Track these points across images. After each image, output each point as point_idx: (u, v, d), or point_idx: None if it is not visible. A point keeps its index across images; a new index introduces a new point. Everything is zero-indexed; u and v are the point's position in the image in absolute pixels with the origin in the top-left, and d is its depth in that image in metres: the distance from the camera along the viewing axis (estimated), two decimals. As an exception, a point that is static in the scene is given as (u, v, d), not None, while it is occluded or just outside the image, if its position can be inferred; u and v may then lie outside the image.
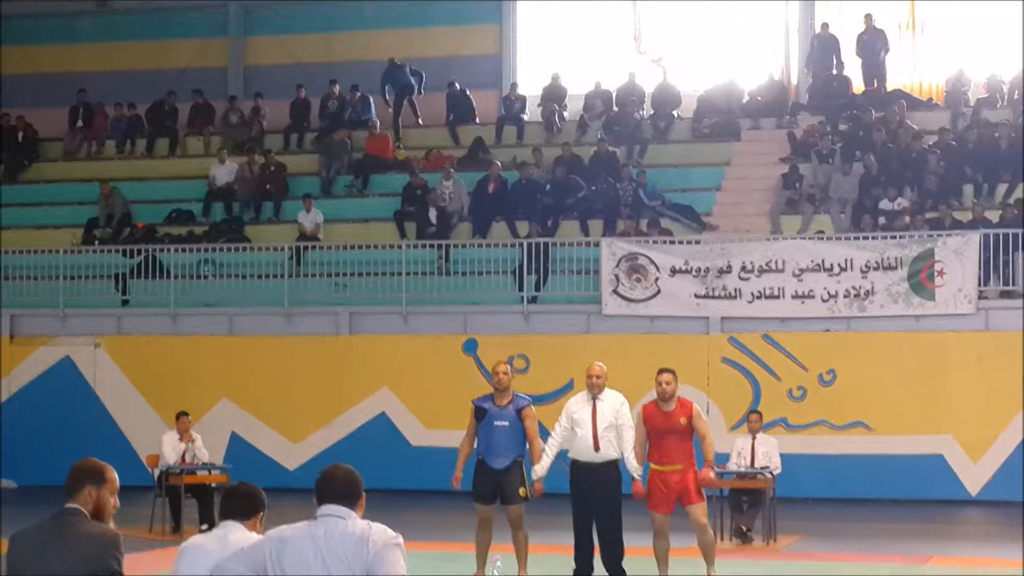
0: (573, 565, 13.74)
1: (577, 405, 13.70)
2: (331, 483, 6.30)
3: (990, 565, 15.65)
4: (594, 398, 13.61)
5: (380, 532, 6.11)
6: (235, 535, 6.38)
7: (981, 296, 23.50)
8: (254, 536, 6.40)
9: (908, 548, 17.20)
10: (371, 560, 6.02)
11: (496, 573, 6.72)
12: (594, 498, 13.54)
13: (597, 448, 13.48)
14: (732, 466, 17.81)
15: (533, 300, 25.37)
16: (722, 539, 17.02)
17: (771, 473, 17.63)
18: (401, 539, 6.14)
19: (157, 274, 26.79)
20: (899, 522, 20.60)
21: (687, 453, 13.36)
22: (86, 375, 26.37)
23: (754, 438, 18.11)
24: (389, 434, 25.03)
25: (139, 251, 27.13)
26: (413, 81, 30.70)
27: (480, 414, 13.70)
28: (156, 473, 18.88)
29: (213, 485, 18.51)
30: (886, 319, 23.61)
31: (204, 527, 16.79)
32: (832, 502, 22.68)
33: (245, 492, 6.72)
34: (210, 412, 25.23)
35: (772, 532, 17.52)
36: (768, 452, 17.98)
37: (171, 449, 18.78)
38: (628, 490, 13.55)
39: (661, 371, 13.50)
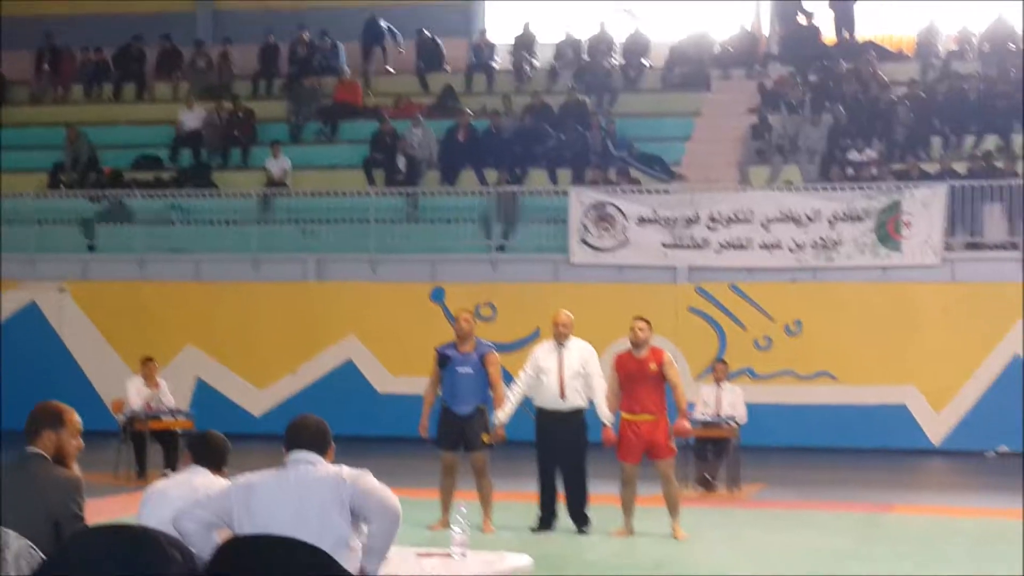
0: (537, 512, 13.79)
1: (543, 353, 13.73)
2: (302, 431, 6.33)
3: (952, 513, 15.77)
4: (561, 346, 13.64)
5: (351, 471, 6.19)
6: (200, 479, 6.37)
7: (947, 248, 23.59)
8: (219, 481, 6.39)
9: (871, 496, 17.31)
10: (351, 494, 6.06)
11: (460, 520, 6.73)
12: (559, 446, 13.58)
13: (563, 396, 13.52)
14: (697, 415, 17.86)
15: (501, 249, 25.35)
16: (686, 487, 17.10)
17: (736, 422, 17.70)
18: (366, 470, 6.21)
19: (124, 219, 26.65)
20: (862, 471, 20.73)
21: (658, 402, 13.39)
22: (52, 320, 26.28)
23: (719, 387, 18.17)
24: (356, 381, 25.03)
25: (105, 196, 26.99)
26: (389, 36, 30.59)
27: (443, 361, 13.71)
28: (121, 419, 18.83)
29: (178, 431, 18.48)
30: (853, 270, 23.68)
31: (168, 472, 16.78)
32: (796, 451, 22.80)
33: (216, 442, 6.71)
34: (176, 358, 25.18)
35: (736, 481, 17.61)
36: (733, 401, 18.05)
37: (136, 395, 18.74)
38: (597, 438, 13.60)
39: (636, 318, 13.57)
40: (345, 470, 6.17)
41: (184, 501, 6.27)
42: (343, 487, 6.09)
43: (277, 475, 6.24)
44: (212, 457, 6.65)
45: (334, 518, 6.06)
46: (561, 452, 13.61)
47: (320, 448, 6.29)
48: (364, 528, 6.11)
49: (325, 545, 5.84)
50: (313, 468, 6.20)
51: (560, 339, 13.66)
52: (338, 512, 6.07)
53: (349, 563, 5.96)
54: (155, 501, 6.41)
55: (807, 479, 19.69)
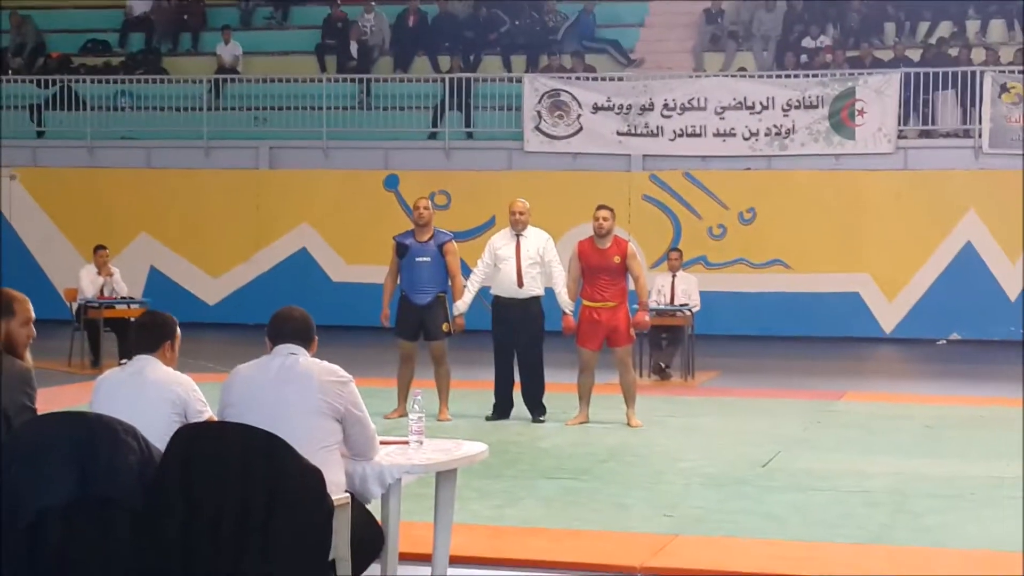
0: (494, 400, 13.83)
1: (501, 241, 13.70)
2: (286, 323, 6.32)
3: (903, 400, 15.91)
4: (517, 235, 13.60)
5: (335, 370, 6.20)
6: (151, 371, 6.30)
7: (901, 135, 23.62)
8: (170, 371, 6.33)
9: (823, 384, 17.45)
10: (328, 392, 6.08)
11: (417, 408, 6.74)
12: (516, 333, 13.59)
13: (520, 284, 13.50)
14: (651, 303, 17.87)
15: (455, 136, 25.22)
16: (641, 375, 17.17)
17: (690, 310, 17.75)
18: (352, 378, 6.24)
19: (73, 106, 26.36)
20: (815, 359, 20.88)
21: (619, 292, 13.39)
22: (2, 208, 26.05)
23: (674, 276, 18.21)
24: (310, 269, 24.98)
25: (54, 82, 26.66)
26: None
27: (402, 250, 13.65)
28: (74, 307, 18.74)
29: (132, 319, 18.39)
30: (806, 157, 23.71)
31: (124, 361, 16.73)
32: (749, 339, 22.94)
33: (150, 322, 6.56)
34: (129, 246, 25.05)
35: (690, 369, 17.70)
36: (687, 290, 18.10)
37: (89, 283, 18.62)
38: (557, 326, 13.61)
39: (599, 207, 13.49)
40: (328, 368, 6.18)
41: (135, 391, 6.20)
42: (321, 385, 6.09)
43: (259, 364, 6.24)
44: (150, 340, 6.44)
45: (312, 412, 6.06)
46: (518, 341, 13.62)
47: (304, 341, 6.29)
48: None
49: (300, 436, 5.84)
50: (296, 360, 6.19)
51: (517, 227, 13.62)
52: (316, 407, 6.06)
53: (328, 462, 5.96)
54: (105, 392, 6.34)
55: (760, 367, 19.82)
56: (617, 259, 13.31)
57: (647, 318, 13.90)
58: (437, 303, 13.56)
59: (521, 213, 13.64)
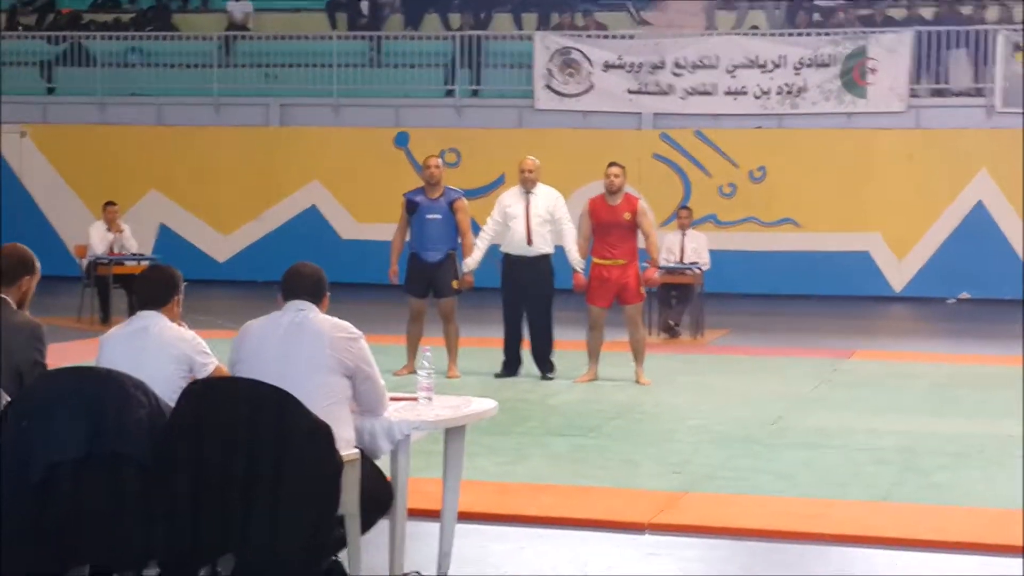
0: (503, 357, 13.85)
1: (510, 199, 13.68)
2: (299, 279, 6.30)
3: (912, 359, 15.91)
4: (527, 192, 13.58)
5: (345, 326, 6.19)
6: (156, 327, 6.28)
7: (913, 94, 23.55)
8: (175, 328, 6.32)
9: (833, 343, 17.44)
10: (338, 348, 6.08)
11: (426, 364, 6.74)
12: (526, 291, 13.59)
13: (530, 242, 13.49)
14: (661, 262, 17.87)
15: (465, 94, 25.17)
16: (650, 333, 17.18)
17: (700, 269, 17.74)
18: (362, 335, 6.23)
19: (83, 62, 26.32)
20: (825, 317, 20.87)
21: (630, 249, 13.36)
22: (12, 164, 26.06)
23: (684, 234, 18.19)
24: (319, 227, 24.98)
25: (64, 38, 26.61)
26: None
27: (412, 207, 13.63)
28: (84, 263, 18.77)
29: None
30: (818, 116, 23.64)
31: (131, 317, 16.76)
32: (759, 298, 22.93)
33: (156, 277, 6.52)
34: (139, 203, 25.05)
35: (700, 327, 17.70)
36: (697, 248, 18.08)
37: (99, 239, 18.63)
38: (567, 284, 13.61)
39: (611, 164, 13.47)
40: (340, 324, 6.18)
41: (141, 350, 6.19)
42: (333, 341, 6.09)
43: (269, 320, 6.24)
44: (155, 295, 6.40)
45: (322, 368, 6.06)
46: (528, 298, 13.62)
47: (316, 298, 6.27)
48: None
49: (310, 392, 5.84)
50: (306, 316, 6.18)
51: (527, 185, 13.60)
52: (326, 363, 6.07)
53: (337, 418, 5.96)
54: (110, 349, 6.32)
55: (770, 326, 19.82)
56: (627, 216, 13.29)
57: (657, 275, 13.89)
58: (447, 260, 13.55)
59: (531, 171, 13.62)
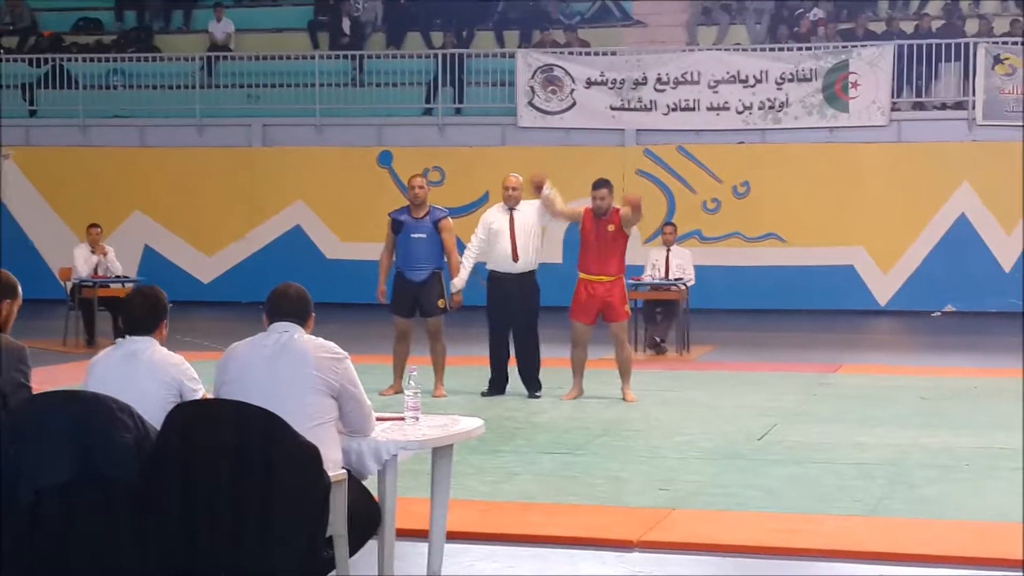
0: (490, 376, 13.83)
1: (494, 216, 13.67)
2: (283, 301, 6.29)
3: (898, 372, 15.93)
4: (511, 209, 13.59)
5: (330, 347, 6.18)
6: (146, 352, 6.26)
7: (894, 108, 23.62)
8: (165, 352, 6.30)
9: (818, 357, 17.46)
10: (323, 369, 6.07)
11: (412, 384, 6.73)
12: (511, 308, 13.57)
13: (516, 259, 13.48)
14: (646, 278, 17.92)
15: (448, 112, 25.19)
16: (636, 350, 17.20)
17: (685, 285, 17.75)
18: (347, 355, 6.23)
19: (65, 84, 26.30)
20: (810, 332, 20.90)
21: (616, 265, 13.32)
22: (-5, 187, 26.04)
23: (668, 250, 18.20)
24: (304, 247, 24.97)
25: (46, 61, 26.60)
26: None
27: (397, 227, 13.62)
28: (69, 286, 18.73)
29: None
30: (800, 131, 23.71)
31: (119, 340, 16.72)
32: (744, 313, 22.95)
33: (144, 302, 6.47)
34: (123, 225, 25.05)
35: (685, 343, 17.71)
36: (682, 264, 18.09)
37: (83, 262, 18.60)
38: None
39: (597, 186, 13.39)
40: (324, 345, 6.16)
41: (130, 375, 6.17)
42: (318, 361, 6.08)
43: (254, 342, 6.22)
44: (145, 320, 6.39)
45: (308, 389, 6.04)
46: (513, 314, 13.60)
47: (300, 318, 6.26)
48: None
49: (296, 413, 5.83)
50: (291, 337, 6.17)
51: (510, 202, 13.60)
52: (312, 384, 6.05)
53: (324, 439, 5.95)
54: (99, 373, 6.30)
55: (755, 341, 19.83)
56: (611, 227, 13.29)
57: (636, 197, 13.55)
58: (433, 279, 13.53)
59: (514, 188, 13.62)
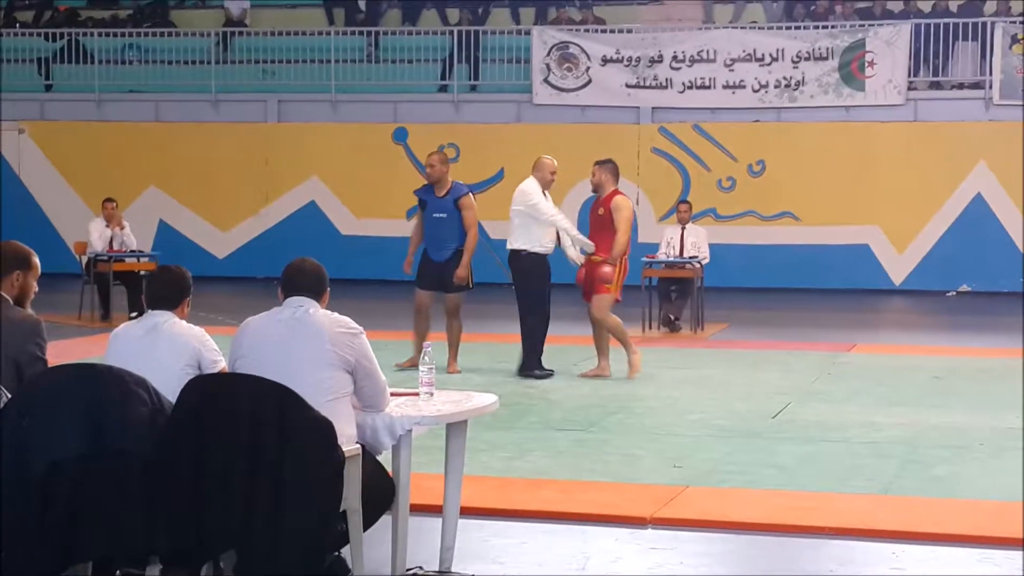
0: (522, 354, 13.58)
1: (540, 196, 13.45)
2: (298, 276, 6.30)
3: (912, 352, 15.91)
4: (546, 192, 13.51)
5: (345, 322, 6.18)
6: (167, 326, 6.31)
7: (911, 87, 23.55)
8: (185, 325, 6.35)
9: (833, 336, 17.44)
10: (338, 344, 6.08)
11: (427, 360, 6.74)
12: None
13: (559, 241, 13.47)
14: (661, 256, 17.90)
15: (463, 89, 25.16)
16: (650, 327, 17.21)
17: (699, 263, 17.73)
18: (362, 330, 6.23)
19: (81, 59, 26.31)
20: (824, 311, 20.86)
21: (604, 247, 13.19)
22: (11, 161, 26.06)
23: (683, 228, 18.18)
24: (319, 223, 24.97)
25: (61, 35, 26.61)
26: None
27: (422, 205, 13.60)
28: (84, 260, 18.76)
29: (141, 272, 18.41)
30: (816, 110, 23.65)
31: (134, 315, 16.74)
32: (759, 292, 22.93)
33: (169, 278, 6.56)
34: (138, 199, 25.06)
35: (700, 321, 17.70)
36: (697, 242, 18.07)
37: (98, 236, 18.61)
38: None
39: (595, 163, 13.48)
40: (340, 320, 6.17)
41: (150, 348, 6.22)
42: (333, 336, 6.08)
43: (269, 317, 6.24)
44: (169, 295, 6.46)
45: (323, 363, 6.05)
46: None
47: (316, 293, 6.27)
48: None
49: (311, 388, 5.84)
50: (306, 312, 6.18)
51: (549, 187, 13.50)
52: (327, 358, 6.06)
53: (339, 414, 5.96)
54: (120, 345, 6.35)
55: (769, 319, 19.81)
56: (600, 212, 13.24)
57: (607, 269, 13.18)
58: (455, 257, 13.43)
59: (554, 173, 13.56)
